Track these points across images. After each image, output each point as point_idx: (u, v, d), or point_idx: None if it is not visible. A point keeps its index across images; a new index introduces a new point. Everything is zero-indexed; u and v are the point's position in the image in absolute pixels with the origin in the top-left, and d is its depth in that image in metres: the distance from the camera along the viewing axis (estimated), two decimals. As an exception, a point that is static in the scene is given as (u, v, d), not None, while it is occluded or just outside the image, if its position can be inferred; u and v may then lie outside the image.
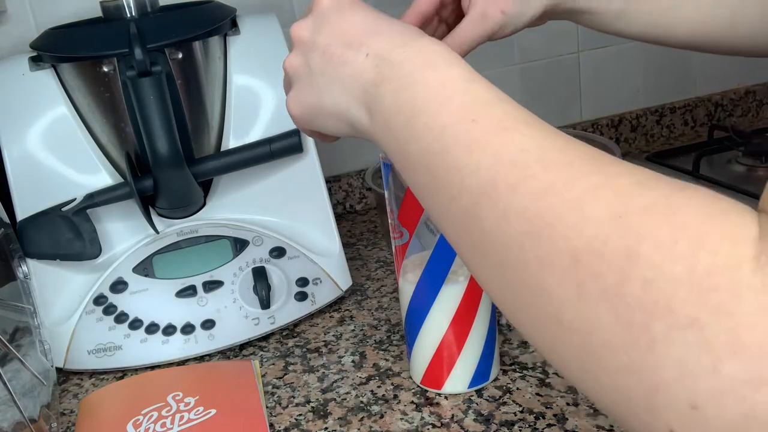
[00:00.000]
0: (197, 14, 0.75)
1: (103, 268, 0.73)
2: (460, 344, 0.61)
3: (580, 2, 0.58)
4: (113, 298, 0.72)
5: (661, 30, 0.59)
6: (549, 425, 0.57)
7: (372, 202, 1.07)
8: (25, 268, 0.67)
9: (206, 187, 0.77)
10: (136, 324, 0.71)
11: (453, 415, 0.59)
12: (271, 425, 0.61)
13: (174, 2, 0.81)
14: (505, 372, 0.64)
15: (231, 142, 0.77)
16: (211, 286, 0.73)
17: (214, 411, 0.61)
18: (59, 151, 0.73)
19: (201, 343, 0.72)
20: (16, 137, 0.72)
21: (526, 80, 1.12)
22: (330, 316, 0.77)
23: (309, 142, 0.77)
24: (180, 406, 0.62)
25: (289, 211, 0.79)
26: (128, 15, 0.73)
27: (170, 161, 0.68)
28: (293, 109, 0.47)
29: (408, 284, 0.61)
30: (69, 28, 0.77)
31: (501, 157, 0.33)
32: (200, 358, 0.72)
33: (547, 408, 0.59)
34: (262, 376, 0.68)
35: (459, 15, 0.60)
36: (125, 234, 0.75)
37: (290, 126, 0.75)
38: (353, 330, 0.74)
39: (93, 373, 0.72)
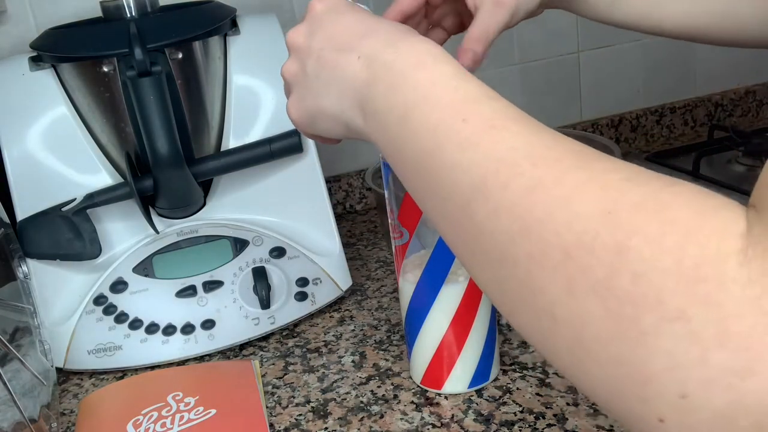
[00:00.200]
0: (197, 14, 0.75)
1: (103, 268, 0.73)
2: (460, 344, 0.61)
3: None
4: (113, 298, 0.72)
5: (655, 20, 0.60)
6: (549, 425, 0.57)
7: (372, 202, 1.07)
8: (25, 268, 0.67)
9: (206, 187, 0.77)
10: (136, 324, 0.71)
11: (453, 415, 0.59)
12: (271, 425, 0.61)
13: (174, 2, 0.81)
14: (505, 372, 0.64)
15: (231, 142, 0.77)
16: (211, 286, 0.73)
17: (214, 411, 0.61)
18: (59, 151, 0.73)
19: (201, 343, 0.72)
20: (16, 137, 0.72)
21: (526, 80, 1.12)
22: (330, 316, 0.77)
23: (309, 142, 0.77)
24: (180, 406, 0.62)
25: (289, 211, 0.79)
26: (128, 15, 0.73)
27: (170, 161, 0.68)
28: (293, 113, 0.48)
29: (408, 284, 0.61)
30: (69, 28, 0.77)
31: (491, 155, 0.33)
32: (200, 358, 0.72)
33: (547, 408, 0.59)
34: (262, 376, 0.68)
35: (456, 16, 0.60)
36: (125, 234, 0.75)
37: (290, 126, 0.75)
38: (353, 330, 0.74)
39: (93, 373, 0.72)
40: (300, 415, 0.62)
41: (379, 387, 0.64)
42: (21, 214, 0.72)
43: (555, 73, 1.14)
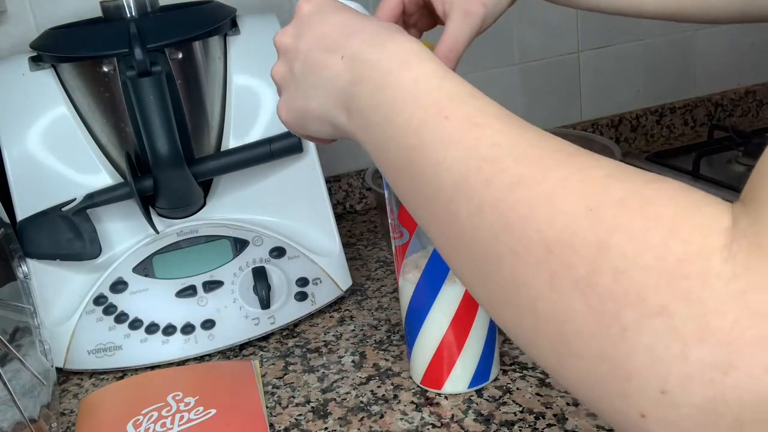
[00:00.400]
0: (197, 14, 0.75)
1: (103, 268, 0.73)
2: (460, 344, 0.61)
3: None
4: (113, 298, 0.72)
5: (636, 1, 0.60)
6: (549, 425, 0.57)
7: (372, 202, 1.07)
8: (25, 268, 0.67)
9: (206, 187, 0.77)
10: (136, 324, 0.71)
11: (453, 415, 0.59)
12: (271, 425, 0.61)
13: (174, 2, 0.81)
14: (505, 372, 0.64)
15: (231, 142, 0.77)
16: (211, 286, 0.73)
17: (214, 411, 0.61)
18: (59, 151, 0.73)
19: (201, 343, 0.72)
20: (16, 137, 0.72)
21: (526, 80, 1.12)
22: (330, 316, 0.77)
23: (309, 143, 0.77)
24: (180, 406, 0.62)
25: (289, 211, 0.79)
26: (128, 15, 0.73)
27: (170, 161, 0.68)
28: (283, 115, 0.49)
29: (408, 284, 0.61)
30: (69, 28, 0.77)
31: (473, 152, 0.34)
32: (200, 358, 0.72)
33: (547, 408, 0.59)
34: (262, 376, 0.68)
35: (429, 17, 0.60)
36: (125, 234, 0.75)
37: (290, 126, 0.75)
38: (353, 330, 0.74)
39: (93, 373, 0.72)
40: (300, 415, 0.62)
41: (379, 387, 0.64)
42: (21, 214, 0.72)
43: (555, 73, 1.14)
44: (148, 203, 0.73)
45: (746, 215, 0.26)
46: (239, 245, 0.75)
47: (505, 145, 0.33)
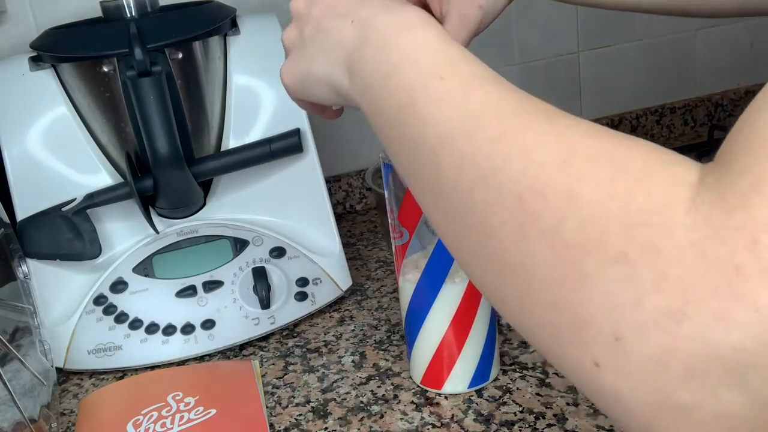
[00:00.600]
0: (197, 14, 0.75)
1: (103, 268, 0.73)
2: (460, 344, 0.61)
3: None
4: (113, 298, 0.72)
5: None
6: (549, 425, 0.57)
7: (372, 202, 1.07)
8: (25, 268, 0.67)
9: (206, 187, 0.77)
10: (136, 324, 0.71)
11: (453, 415, 0.59)
12: (271, 425, 0.61)
13: (174, 2, 0.81)
14: (505, 372, 0.64)
15: (231, 142, 0.77)
16: (211, 286, 0.73)
17: (214, 411, 0.61)
18: (59, 151, 0.73)
19: (201, 343, 0.72)
20: (16, 137, 0.72)
21: (526, 80, 1.12)
22: (330, 316, 0.77)
23: (309, 142, 0.77)
24: (180, 406, 0.62)
25: (289, 211, 0.79)
26: (128, 15, 0.73)
27: (170, 161, 0.68)
28: (285, 78, 0.49)
29: (408, 284, 0.61)
30: (69, 28, 0.77)
31: (463, 109, 0.34)
32: (200, 358, 0.72)
33: (547, 408, 0.59)
34: (262, 376, 0.68)
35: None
36: (125, 234, 0.75)
37: (290, 126, 0.75)
38: (353, 330, 0.74)
39: (93, 373, 0.72)
40: (300, 415, 0.62)
41: (379, 387, 0.64)
42: (21, 214, 0.72)
43: (555, 73, 1.14)
44: (148, 203, 0.73)
45: (714, 172, 0.26)
46: (239, 245, 0.75)
47: (493, 104, 0.34)
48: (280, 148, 0.74)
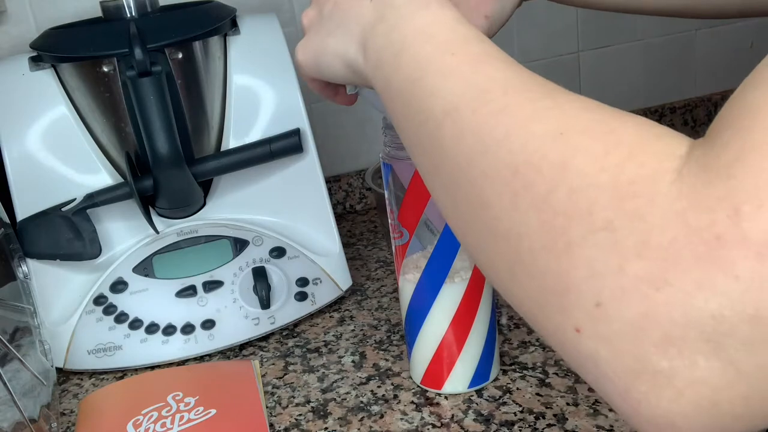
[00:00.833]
0: (197, 14, 0.75)
1: (103, 268, 0.73)
2: (460, 344, 0.61)
3: None
4: (113, 298, 0.72)
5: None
6: (549, 425, 0.57)
7: (372, 202, 1.07)
8: (25, 268, 0.67)
9: (206, 187, 0.77)
10: (136, 324, 0.71)
11: (453, 415, 0.59)
12: (271, 425, 0.61)
13: (174, 2, 0.81)
14: (505, 372, 0.64)
15: (231, 142, 0.77)
16: (211, 286, 0.73)
17: (214, 411, 0.61)
18: (59, 151, 0.73)
19: (201, 343, 0.72)
20: (16, 137, 0.72)
21: (526, 80, 1.11)
22: (330, 316, 0.77)
23: (309, 142, 0.77)
24: (180, 406, 0.62)
25: (289, 211, 0.79)
26: (128, 15, 0.73)
27: (170, 161, 0.68)
28: (300, 55, 0.50)
29: (408, 284, 0.61)
30: (69, 28, 0.77)
31: (469, 83, 0.35)
32: (200, 358, 0.72)
33: (547, 408, 0.59)
34: (262, 376, 0.68)
35: None
36: (125, 234, 0.75)
37: (290, 126, 0.75)
38: (353, 330, 0.74)
39: (93, 373, 0.72)
40: (300, 415, 0.62)
41: (379, 387, 0.64)
42: (21, 214, 0.72)
43: (555, 73, 1.13)
44: (148, 203, 0.73)
45: (702, 145, 0.27)
46: (239, 245, 0.75)
47: (500, 80, 0.34)
48: (280, 148, 0.74)
